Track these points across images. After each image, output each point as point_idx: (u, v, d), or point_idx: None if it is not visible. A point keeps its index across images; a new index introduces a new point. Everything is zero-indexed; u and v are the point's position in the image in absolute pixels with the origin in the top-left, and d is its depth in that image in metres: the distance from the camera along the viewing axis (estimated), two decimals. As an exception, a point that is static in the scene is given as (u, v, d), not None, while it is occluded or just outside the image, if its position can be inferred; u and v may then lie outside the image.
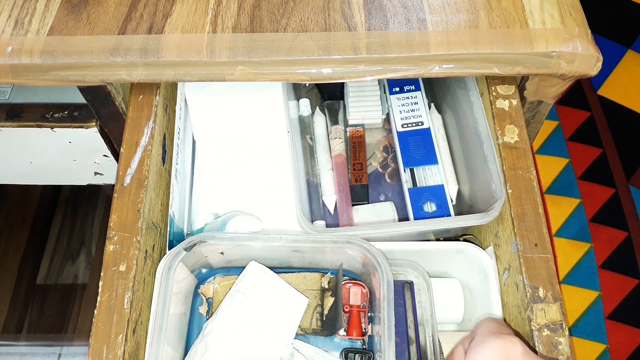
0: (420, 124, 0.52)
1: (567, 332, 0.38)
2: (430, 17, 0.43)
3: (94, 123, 0.54)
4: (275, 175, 0.48)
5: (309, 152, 0.53)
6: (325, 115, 0.55)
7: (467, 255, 0.44)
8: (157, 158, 0.45)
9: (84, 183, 0.63)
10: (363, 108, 0.54)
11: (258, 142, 0.49)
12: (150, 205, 0.43)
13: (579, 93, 1.16)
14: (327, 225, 0.50)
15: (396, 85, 0.55)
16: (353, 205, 0.50)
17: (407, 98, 0.54)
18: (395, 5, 0.43)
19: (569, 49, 0.41)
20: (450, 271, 0.48)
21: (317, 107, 0.55)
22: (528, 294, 0.39)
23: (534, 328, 0.38)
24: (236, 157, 0.49)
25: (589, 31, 0.42)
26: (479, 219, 0.42)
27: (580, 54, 0.41)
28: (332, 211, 0.50)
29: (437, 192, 0.49)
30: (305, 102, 0.54)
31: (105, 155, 0.58)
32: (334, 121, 0.54)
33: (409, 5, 0.43)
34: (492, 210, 0.41)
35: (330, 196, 0.50)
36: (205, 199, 0.49)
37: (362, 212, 0.50)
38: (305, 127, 0.54)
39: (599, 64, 0.42)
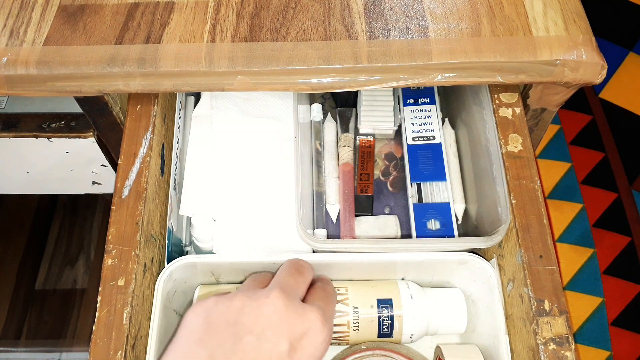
0: (431, 138, 0.51)
1: (573, 346, 0.37)
2: (432, 25, 0.42)
3: (91, 133, 0.53)
4: (278, 181, 0.47)
5: (316, 158, 0.52)
6: (336, 122, 0.54)
7: (470, 266, 0.44)
8: (156, 169, 0.44)
9: (82, 192, 0.63)
10: (375, 118, 0.53)
11: (262, 147, 0.49)
12: (149, 218, 0.42)
13: (581, 96, 1.16)
14: (329, 235, 0.49)
15: (411, 97, 0.53)
16: (356, 216, 0.49)
17: (421, 111, 0.53)
18: (396, 13, 0.43)
19: (573, 56, 0.40)
20: (452, 281, 0.47)
21: (329, 114, 0.55)
22: (533, 306, 0.38)
23: (539, 342, 0.37)
24: (238, 162, 0.48)
25: (594, 38, 0.41)
26: (481, 242, 0.41)
27: (584, 62, 0.40)
28: (334, 220, 0.49)
29: (442, 210, 0.48)
30: (317, 107, 0.54)
31: (103, 165, 0.58)
32: (345, 129, 0.54)
33: (410, 13, 0.43)
34: (495, 235, 0.41)
35: (334, 205, 0.50)
36: (203, 206, 0.48)
37: (365, 224, 0.49)
38: (315, 132, 0.54)
39: (604, 72, 0.41)
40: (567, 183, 1.05)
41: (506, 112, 0.45)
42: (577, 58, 0.40)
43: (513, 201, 0.41)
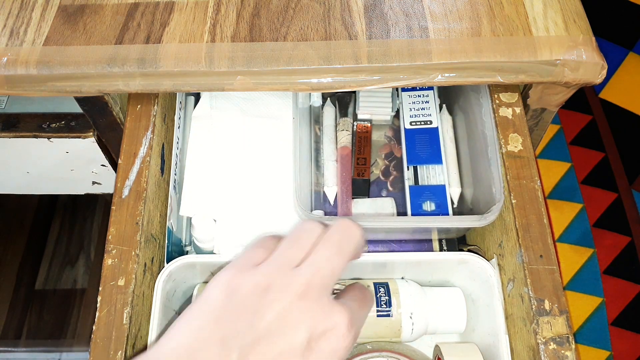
0: (429, 122, 0.52)
1: (573, 346, 0.37)
2: (432, 25, 0.42)
3: (91, 133, 0.53)
4: (279, 181, 0.47)
5: (315, 142, 0.53)
6: (335, 107, 0.54)
7: (470, 265, 0.44)
8: (156, 169, 0.44)
9: (82, 192, 0.63)
10: (373, 103, 0.54)
11: (263, 147, 0.49)
12: (149, 218, 0.42)
13: (581, 96, 1.16)
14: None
15: None
16: (353, 198, 0.50)
17: (419, 96, 0.54)
18: (396, 13, 0.43)
19: (573, 56, 0.40)
20: (452, 280, 0.47)
21: (329, 98, 0.55)
22: (533, 306, 0.38)
23: (540, 341, 0.37)
24: (238, 162, 0.48)
25: (594, 38, 0.41)
26: (475, 220, 0.42)
27: (584, 62, 0.41)
28: (332, 202, 0.50)
29: (437, 192, 0.48)
30: (317, 93, 0.54)
31: (103, 165, 0.58)
32: (343, 113, 0.54)
33: (410, 13, 0.43)
34: (489, 214, 0.41)
35: (331, 187, 0.50)
36: (203, 206, 0.48)
37: (362, 205, 0.49)
38: (314, 116, 0.54)
39: (604, 72, 0.41)
40: (567, 183, 1.05)
41: (506, 112, 0.45)
42: (577, 58, 0.40)
43: (513, 201, 0.41)
